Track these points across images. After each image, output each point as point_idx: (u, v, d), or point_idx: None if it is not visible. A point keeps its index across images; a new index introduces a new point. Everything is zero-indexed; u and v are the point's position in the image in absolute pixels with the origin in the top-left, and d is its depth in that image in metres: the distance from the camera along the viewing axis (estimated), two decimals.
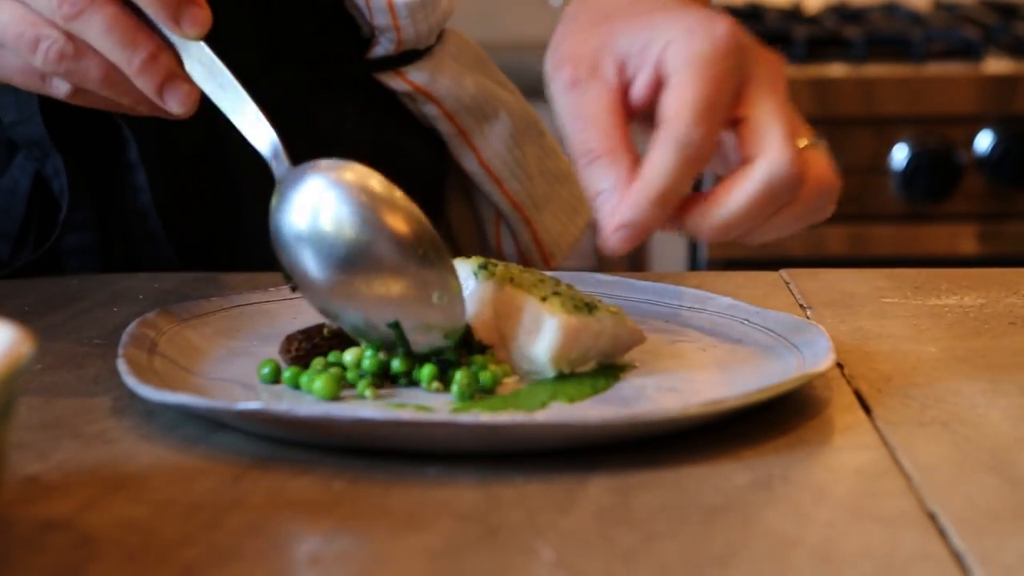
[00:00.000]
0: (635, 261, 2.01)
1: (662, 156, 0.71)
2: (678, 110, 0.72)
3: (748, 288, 0.93)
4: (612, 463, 0.65)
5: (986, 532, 0.59)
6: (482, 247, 1.10)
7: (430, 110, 1.05)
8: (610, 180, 0.72)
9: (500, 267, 0.77)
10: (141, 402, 0.72)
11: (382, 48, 1.02)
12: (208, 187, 1.00)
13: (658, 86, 0.74)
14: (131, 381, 0.70)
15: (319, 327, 0.77)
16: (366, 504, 0.62)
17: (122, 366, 0.72)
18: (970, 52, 2.00)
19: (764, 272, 0.98)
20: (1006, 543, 0.58)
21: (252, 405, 0.67)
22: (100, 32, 0.75)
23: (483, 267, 0.77)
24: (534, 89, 2.05)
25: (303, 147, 1.02)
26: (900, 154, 1.94)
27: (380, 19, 1.01)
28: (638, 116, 0.75)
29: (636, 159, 0.73)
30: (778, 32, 2.07)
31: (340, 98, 1.03)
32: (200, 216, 1.00)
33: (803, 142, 0.74)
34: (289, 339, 0.76)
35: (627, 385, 0.74)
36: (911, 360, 0.79)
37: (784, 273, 0.97)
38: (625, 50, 0.74)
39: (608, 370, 0.76)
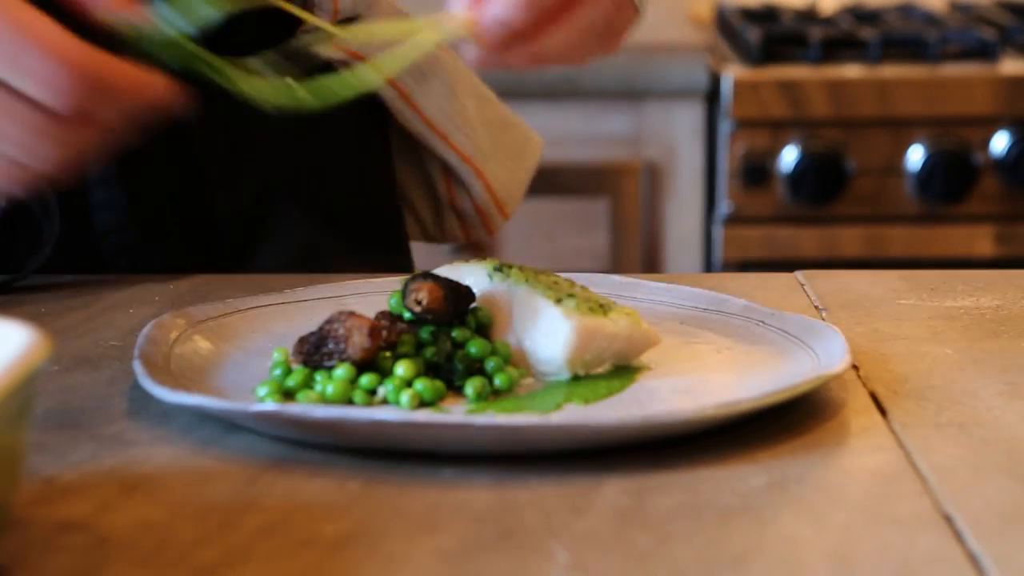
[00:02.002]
0: (650, 263, 2.02)
1: None
2: None
3: (763, 290, 0.93)
4: (627, 465, 0.65)
5: (1002, 534, 0.59)
6: (435, 206, 1.11)
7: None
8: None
9: (515, 269, 0.77)
10: (157, 403, 0.72)
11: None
12: (175, 180, 1.00)
13: None
14: (147, 383, 0.70)
15: None
16: (381, 505, 0.62)
17: (138, 368, 0.72)
18: (986, 53, 1.99)
19: (779, 274, 0.98)
20: (1023, 545, 0.58)
21: (268, 406, 0.67)
22: (108, 102, 0.72)
23: (498, 269, 0.77)
24: (550, 92, 2.05)
25: (243, 120, 1.02)
26: (916, 155, 1.94)
27: None
28: None
29: None
30: (793, 33, 2.07)
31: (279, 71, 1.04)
32: (167, 205, 1.00)
33: None
34: (302, 340, 0.76)
35: (642, 387, 0.74)
36: (927, 362, 0.79)
37: (799, 275, 0.97)
38: None
39: (623, 372, 0.76)
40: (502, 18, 0.77)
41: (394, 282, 0.86)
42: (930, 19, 2.19)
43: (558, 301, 0.75)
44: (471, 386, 0.72)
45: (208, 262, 1.00)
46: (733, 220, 1.97)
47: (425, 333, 0.75)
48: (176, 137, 0.99)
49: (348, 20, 1.04)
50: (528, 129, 1.15)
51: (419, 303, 0.74)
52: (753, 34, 2.00)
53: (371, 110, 1.07)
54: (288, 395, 0.72)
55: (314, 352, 0.73)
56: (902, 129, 1.94)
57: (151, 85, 0.74)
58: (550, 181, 1.96)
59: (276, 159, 1.04)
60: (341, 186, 1.07)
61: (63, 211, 0.95)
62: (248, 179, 1.02)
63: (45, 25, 0.72)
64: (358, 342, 0.72)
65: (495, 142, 1.10)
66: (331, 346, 0.73)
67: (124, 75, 0.73)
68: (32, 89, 0.71)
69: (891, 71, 1.95)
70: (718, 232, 1.98)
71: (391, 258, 1.09)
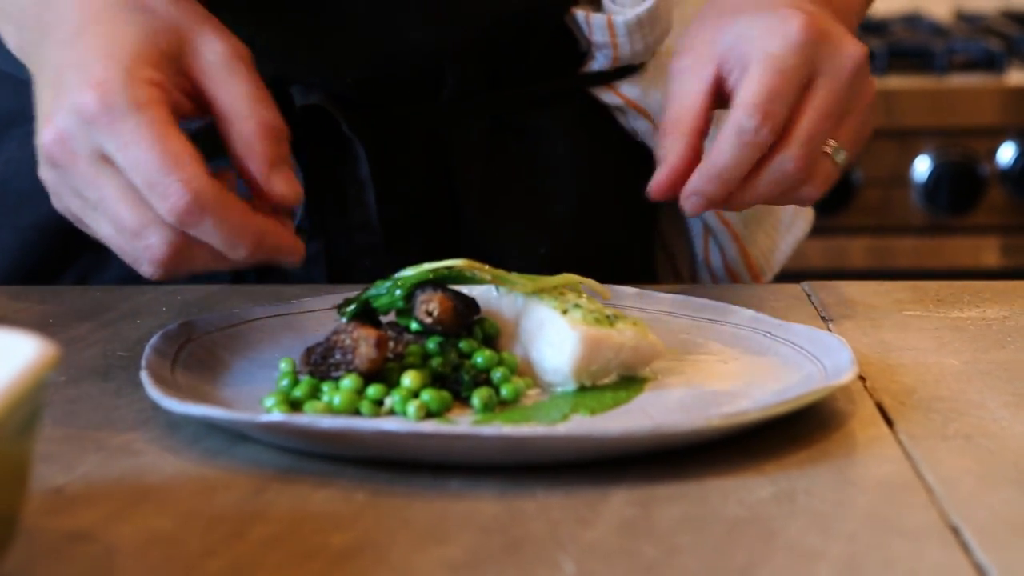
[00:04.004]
0: None
1: (722, 140, 0.84)
2: (741, 100, 0.84)
3: (770, 300, 0.93)
4: (634, 475, 0.65)
5: (1009, 545, 0.59)
6: (692, 261, 1.11)
7: (641, 125, 1.05)
8: (671, 151, 0.86)
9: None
10: (164, 414, 0.72)
11: (597, 64, 1.03)
12: (431, 204, 1.01)
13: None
14: (154, 393, 0.70)
15: None
16: (388, 516, 0.62)
17: (145, 378, 0.72)
18: (992, 64, 1.99)
19: (786, 284, 0.98)
20: None
21: (275, 417, 0.67)
22: (209, 231, 0.75)
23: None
24: None
25: (516, 164, 1.01)
26: (922, 166, 1.94)
27: (598, 36, 1.02)
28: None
29: (700, 140, 0.87)
30: None
31: (553, 112, 1.04)
32: (421, 231, 1.01)
33: (828, 146, 0.86)
34: (309, 350, 0.76)
35: (648, 397, 0.74)
36: (934, 373, 0.79)
37: (806, 285, 0.97)
38: (724, 48, 0.87)
39: (629, 382, 0.76)
40: (712, 173, 0.85)
41: None
42: (936, 29, 2.19)
43: (564, 312, 0.75)
44: (478, 397, 0.72)
45: None
46: None
47: (432, 344, 0.75)
48: (435, 160, 0.99)
49: (629, 69, 1.04)
50: None
51: (430, 314, 0.74)
52: None
53: (637, 165, 1.05)
54: (295, 405, 0.72)
55: (321, 362, 0.73)
56: (909, 140, 1.94)
57: (273, 236, 0.77)
58: None
59: (537, 199, 1.04)
60: (601, 234, 1.06)
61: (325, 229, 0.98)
62: (504, 209, 1.02)
63: (184, 145, 0.74)
64: (365, 353, 0.72)
65: (766, 210, 1.09)
66: (338, 356, 0.73)
67: (234, 213, 0.75)
68: (142, 187, 0.74)
69: (897, 82, 1.95)
70: None
71: None
